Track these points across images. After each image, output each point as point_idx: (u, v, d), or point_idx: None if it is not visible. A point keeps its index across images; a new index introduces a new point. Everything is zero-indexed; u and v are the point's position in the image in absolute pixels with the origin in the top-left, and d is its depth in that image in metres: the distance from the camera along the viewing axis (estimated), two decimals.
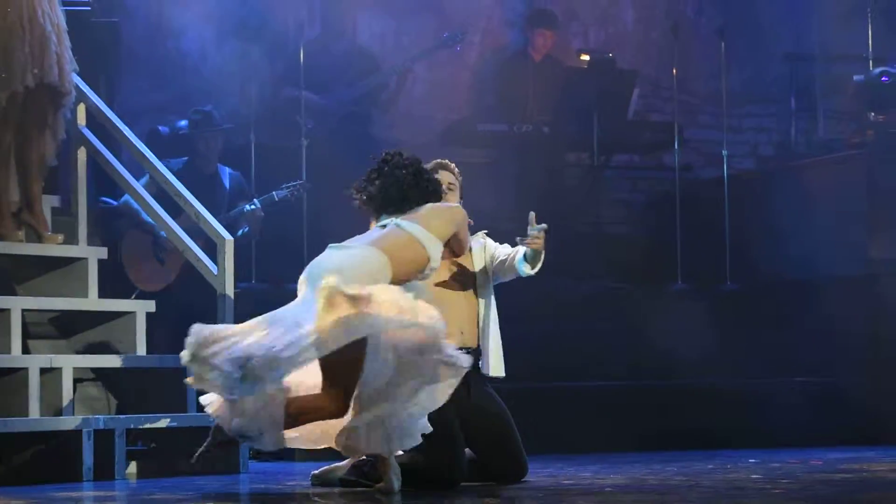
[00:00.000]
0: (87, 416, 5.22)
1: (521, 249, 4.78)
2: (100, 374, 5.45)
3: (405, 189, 4.62)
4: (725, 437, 6.63)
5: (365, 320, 4.22)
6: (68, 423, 5.15)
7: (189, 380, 4.40)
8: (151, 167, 5.77)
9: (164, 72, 7.73)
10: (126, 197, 6.48)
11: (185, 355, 4.32)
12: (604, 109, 8.06)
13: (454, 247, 4.72)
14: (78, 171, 5.84)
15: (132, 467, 5.28)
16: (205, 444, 4.46)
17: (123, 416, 5.29)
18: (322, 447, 4.59)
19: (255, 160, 7.25)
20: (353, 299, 4.23)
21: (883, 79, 7.83)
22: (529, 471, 4.89)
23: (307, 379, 4.47)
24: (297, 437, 4.54)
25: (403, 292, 4.34)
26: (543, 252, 4.77)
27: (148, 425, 5.25)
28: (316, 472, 4.79)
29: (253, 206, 6.89)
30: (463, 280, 4.85)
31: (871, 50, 8.26)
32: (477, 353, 4.85)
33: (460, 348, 4.79)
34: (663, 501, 4.05)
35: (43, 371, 5.21)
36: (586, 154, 8.28)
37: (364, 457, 4.60)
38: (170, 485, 4.82)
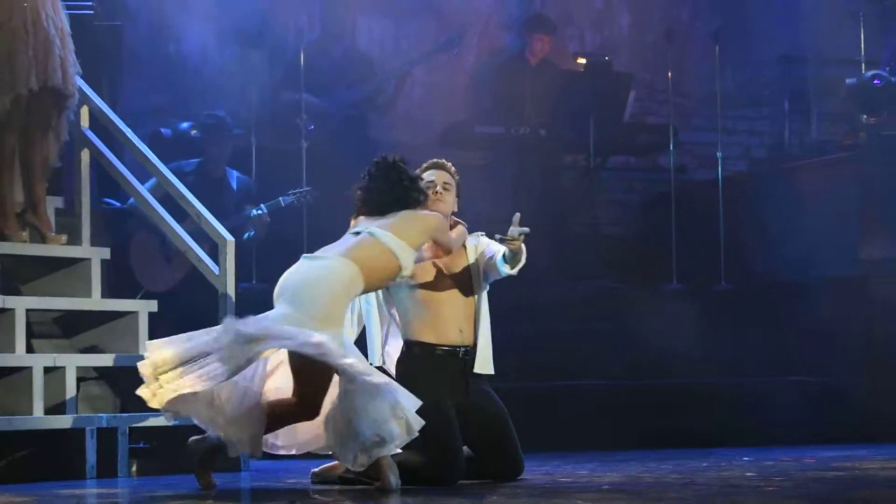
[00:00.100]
0: (90, 415, 5.28)
1: (501, 249, 4.83)
2: (103, 373, 5.49)
3: (383, 196, 4.70)
4: (720, 436, 6.66)
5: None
6: (71, 421, 5.20)
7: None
8: (154, 169, 5.82)
9: (165, 75, 7.77)
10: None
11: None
12: (600, 112, 8.10)
13: (440, 248, 4.79)
14: (81, 172, 5.88)
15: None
16: (196, 468, 4.54)
17: (126, 414, 5.33)
18: (304, 451, 4.68)
19: (255, 162, 7.31)
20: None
21: (875, 82, 7.87)
22: (527, 469, 4.92)
23: (282, 384, 4.56)
24: (279, 444, 4.64)
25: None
26: (524, 254, 4.80)
27: (150, 423, 5.29)
28: (316, 469, 4.83)
29: (259, 212, 6.96)
30: (460, 279, 4.88)
31: (863, 53, 8.31)
32: (474, 351, 4.88)
33: (459, 347, 4.86)
34: (659, 499, 4.09)
35: (46, 370, 5.26)
36: (583, 156, 8.33)
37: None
38: (172, 482, 4.84)
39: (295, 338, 4.34)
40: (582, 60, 8.42)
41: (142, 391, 4.43)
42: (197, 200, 5.73)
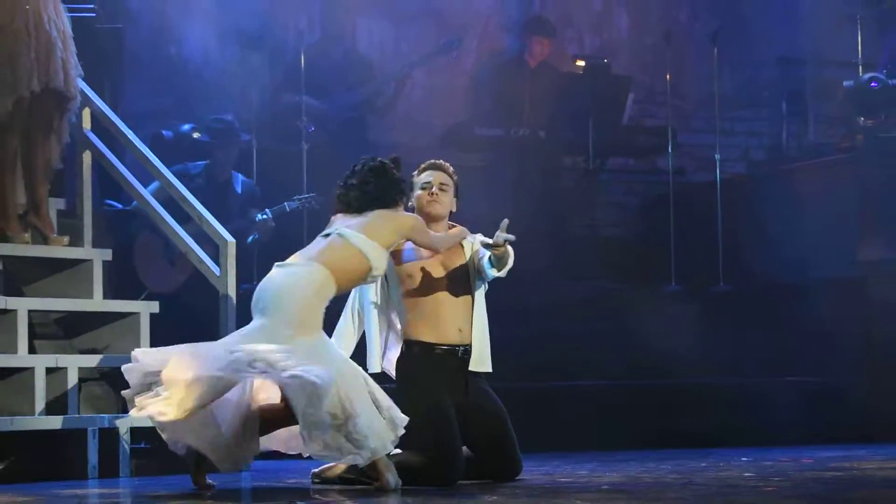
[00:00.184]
0: (91, 415, 5.30)
1: (488, 252, 4.83)
2: (104, 374, 5.51)
3: (361, 195, 4.71)
4: (719, 436, 6.68)
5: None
6: (73, 422, 5.22)
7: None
8: (155, 170, 5.84)
9: (167, 77, 7.79)
10: None
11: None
12: (599, 114, 8.13)
13: (427, 248, 4.80)
14: (83, 174, 5.91)
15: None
16: (192, 470, 4.57)
17: (127, 414, 5.32)
18: (294, 453, 4.70)
19: (256, 164, 7.34)
20: None
21: (872, 84, 7.90)
22: (526, 469, 4.93)
23: (273, 394, 4.61)
24: (272, 438, 4.67)
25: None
26: (511, 257, 4.79)
27: (151, 424, 5.30)
28: (316, 470, 4.84)
29: (265, 216, 6.99)
30: (458, 279, 4.88)
31: (860, 56, 8.34)
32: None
33: (459, 346, 4.87)
34: (658, 499, 4.10)
35: (49, 371, 5.28)
36: (582, 158, 8.36)
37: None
38: (173, 483, 4.85)
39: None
40: (581, 63, 8.44)
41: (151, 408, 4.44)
42: (198, 202, 5.76)
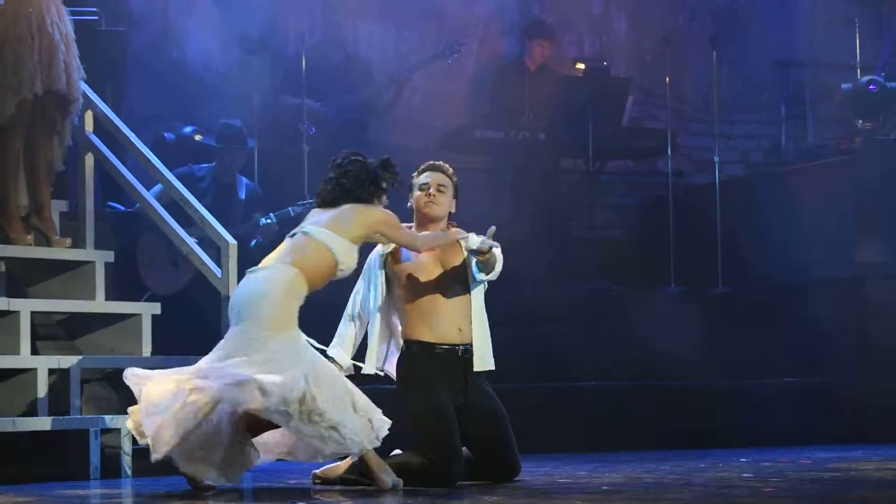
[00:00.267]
0: (93, 416, 5.32)
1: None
2: (106, 375, 5.54)
3: (334, 188, 4.74)
4: (717, 437, 6.71)
5: None
6: (75, 422, 5.24)
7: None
8: (157, 172, 5.87)
9: (169, 80, 7.82)
10: None
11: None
12: (598, 116, 8.14)
13: (404, 246, 4.81)
14: (85, 176, 5.93)
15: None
16: (194, 488, 4.60)
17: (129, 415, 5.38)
18: (285, 457, 4.73)
19: (257, 166, 7.37)
20: None
21: (870, 87, 7.93)
22: (526, 469, 4.94)
23: None
24: (265, 443, 4.69)
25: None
26: (498, 262, 4.79)
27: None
28: (317, 471, 4.85)
29: (269, 220, 7.02)
30: (457, 278, 4.88)
31: (858, 59, 8.37)
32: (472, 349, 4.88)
33: (459, 345, 4.88)
34: (657, 499, 4.12)
35: (51, 371, 5.30)
36: (581, 160, 8.37)
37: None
38: (174, 483, 4.85)
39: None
40: (581, 66, 8.46)
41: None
42: (200, 204, 5.78)
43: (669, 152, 8.21)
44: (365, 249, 4.91)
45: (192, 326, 5.78)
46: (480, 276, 4.83)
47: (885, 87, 7.94)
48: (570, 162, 8.60)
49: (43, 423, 5.18)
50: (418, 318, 4.85)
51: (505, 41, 8.96)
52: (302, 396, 4.37)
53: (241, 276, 5.66)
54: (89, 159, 5.96)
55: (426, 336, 4.84)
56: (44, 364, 5.30)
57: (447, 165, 5.00)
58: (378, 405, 4.59)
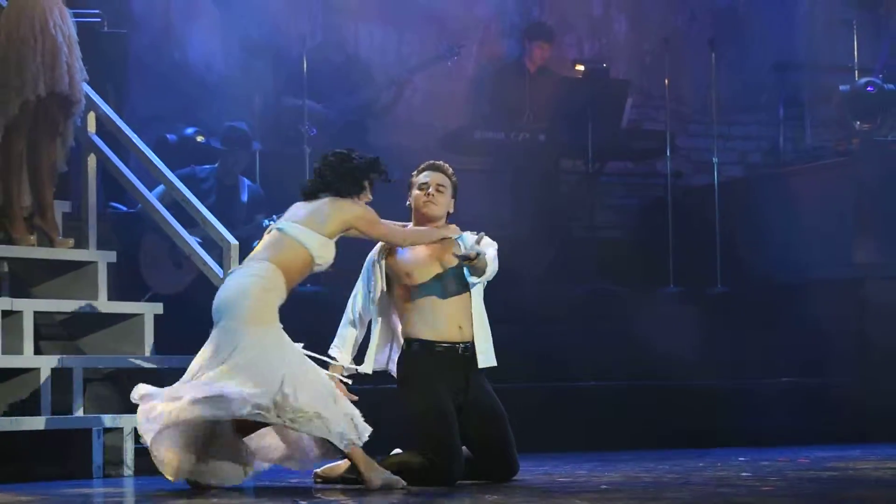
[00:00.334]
0: (96, 415, 5.34)
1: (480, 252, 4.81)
2: (109, 375, 5.57)
3: (316, 181, 4.78)
4: (716, 436, 6.73)
5: None
6: (78, 422, 5.27)
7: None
8: (159, 173, 5.90)
9: (171, 81, 7.84)
10: None
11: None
12: (598, 118, 8.16)
13: (386, 242, 4.82)
14: (88, 177, 5.96)
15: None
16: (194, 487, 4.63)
17: (131, 414, 5.38)
18: (281, 463, 4.76)
19: (259, 167, 7.39)
20: None
21: (868, 89, 7.96)
22: (526, 469, 4.95)
23: None
24: (264, 446, 4.73)
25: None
26: (489, 266, 4.78)
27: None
28: (318, 470, 4.86)
29: (272, 222, 7.03)
30: (456, 276, 4.87)
31: (856, 60, 8.39)
32: (475, 347, 4.88)
33: (459, 343, 4.89)
34: (656, 499, 4.13)
35: (54, 371, 5.33)
36: (581, 161, 8.40)
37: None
38: (176, 482, 4.88)
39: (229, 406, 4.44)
40: (580, 67, 8.49)
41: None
42: (202, 205, 5.81)
43: (668, 153, 8.23)
44: (365, 249, 4.93)
45: (193, 327, 5.78)
46: (472, 280, 4.84)
47: (883, 89, 7.97)
48: (570, 163, 8.62)
49: (45, 422, 5.20)
50: (418, 316, 4.85)
51: (505, 43, 8.99)
52: (277, 400, 4.40)
53: None
54: (92, 160, 5.99)
55: (426, 334, 4.84)
56: (46, 364, 5.33)
57: (447, 165, 5.00)
58: (378, 405, 4.61)
